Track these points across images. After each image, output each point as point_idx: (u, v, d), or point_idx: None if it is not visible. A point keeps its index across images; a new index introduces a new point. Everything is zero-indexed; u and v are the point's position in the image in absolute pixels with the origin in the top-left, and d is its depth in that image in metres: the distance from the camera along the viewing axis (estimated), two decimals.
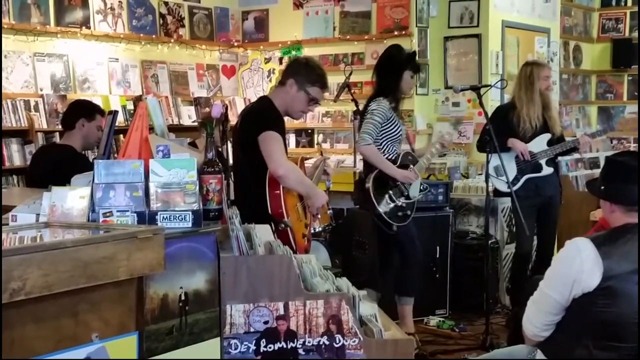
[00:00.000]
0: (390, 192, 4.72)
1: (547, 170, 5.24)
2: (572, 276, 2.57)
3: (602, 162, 7.89)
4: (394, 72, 4.71)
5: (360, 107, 6.17)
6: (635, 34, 8.79)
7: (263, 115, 3.67)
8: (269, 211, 3.48)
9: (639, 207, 2.61)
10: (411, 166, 4.76)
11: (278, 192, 3.53)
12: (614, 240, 2.61)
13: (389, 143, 4.73)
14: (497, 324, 5.25)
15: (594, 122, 9.13)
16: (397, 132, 4.74)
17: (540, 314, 2.71)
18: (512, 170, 5.16)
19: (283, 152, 3.57)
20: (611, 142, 8.78)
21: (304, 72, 3.79)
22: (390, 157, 4.75)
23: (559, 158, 5.76)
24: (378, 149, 4.72)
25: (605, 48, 9.04)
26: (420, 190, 4.85)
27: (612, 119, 8.99)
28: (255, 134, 3.54)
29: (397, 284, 4.91)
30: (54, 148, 5.02)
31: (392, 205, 4.71)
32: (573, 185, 7.68)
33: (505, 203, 5.83)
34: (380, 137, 4.71)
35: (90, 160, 5.12)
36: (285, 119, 3.80)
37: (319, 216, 3.79)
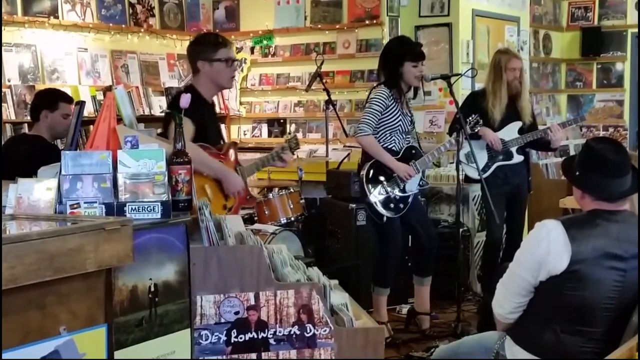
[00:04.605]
0: (385, 183, 4.69)
1: (517, 158, 5.27)
2: (540, 257, 2.59)
3: (572, 150, 8.06)
4: (394, 64, 4.69)
5: (332, 97, 6.25)
6: (605, 22, 8.88)
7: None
8: None
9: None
10: (413, 161, 4.73)
11: None
12: (583, 224, 2.62)
13: (386, 132, 4.70)
14: (468, 311, 5.29)
15: (563, 111, 9.22)
16: (395, 122, 4.68)
17: (508, 295, 2.73)
18: (483, 158, 5.19)
19: (188, 137, 3.60)
20: (581, 130, 8.88)
21: (201, 48, 3.97)
22: (389, 146, 4.71)
23: (533, 150, 5.79)
24: (375, 137, 4.70)
25: (575, 37, 9.11)
26: (420, 186, 4.81)
27: (582, 107, 9.08)
28: (168, 121, 3.61)
29: (374, 274, 4.93)
30: (24, 139, 4.94)
31: (384, 196, 4.69)
32: (543, 172, 7.76)
33: (476, 191, 5.87)
34: (377, 127, 4.67)
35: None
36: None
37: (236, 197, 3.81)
